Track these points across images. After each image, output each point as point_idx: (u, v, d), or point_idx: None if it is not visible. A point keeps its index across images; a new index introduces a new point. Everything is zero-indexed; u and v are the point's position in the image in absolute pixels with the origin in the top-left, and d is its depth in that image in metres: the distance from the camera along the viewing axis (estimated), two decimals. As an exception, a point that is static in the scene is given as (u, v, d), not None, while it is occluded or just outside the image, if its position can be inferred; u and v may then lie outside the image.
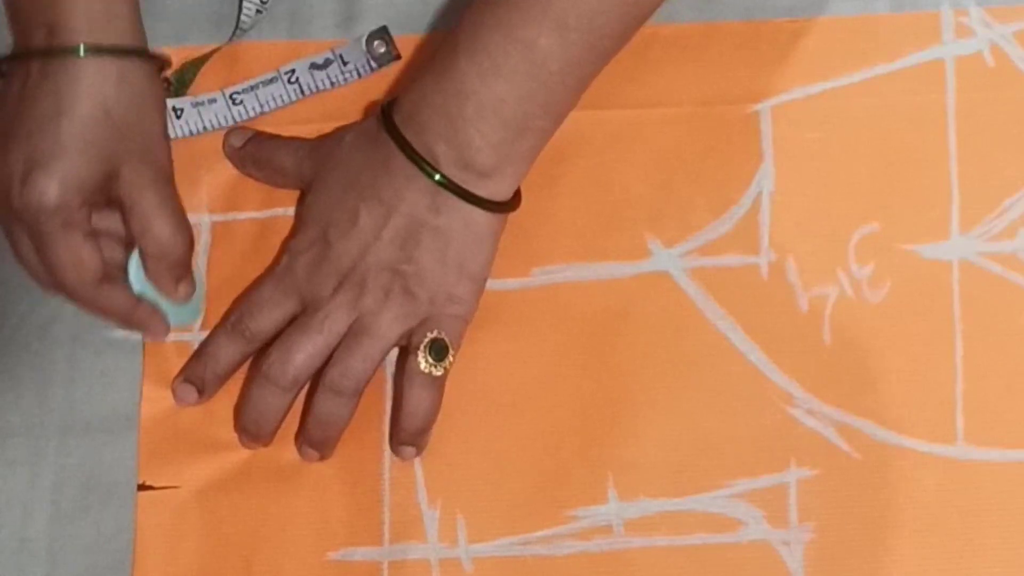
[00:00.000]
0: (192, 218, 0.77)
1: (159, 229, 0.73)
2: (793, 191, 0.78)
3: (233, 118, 0.79)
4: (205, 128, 0.78)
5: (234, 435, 0.75)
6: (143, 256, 0.74)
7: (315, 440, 0.74)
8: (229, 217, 0.79)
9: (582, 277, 0.77)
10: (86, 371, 0.77)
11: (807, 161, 0.78)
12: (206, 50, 0.80)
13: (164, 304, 0.75)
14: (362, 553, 0.74)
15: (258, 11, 0.79)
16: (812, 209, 0.78)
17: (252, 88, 0.79)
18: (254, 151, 0.78)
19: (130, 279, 0.74)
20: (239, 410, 0.75)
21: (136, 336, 0.77)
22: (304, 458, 0.75)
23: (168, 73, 0.78)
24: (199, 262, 0.77)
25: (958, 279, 0.76)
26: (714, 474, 0.75)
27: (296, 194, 0.78)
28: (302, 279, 0.74)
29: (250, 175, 0.78)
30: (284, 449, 0.76)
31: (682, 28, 0.79)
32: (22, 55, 0.73)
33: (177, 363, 0.77)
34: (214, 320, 0.77)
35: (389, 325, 0.73)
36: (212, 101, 0.79)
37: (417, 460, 0.75)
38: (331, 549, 0.75)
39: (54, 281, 0.73)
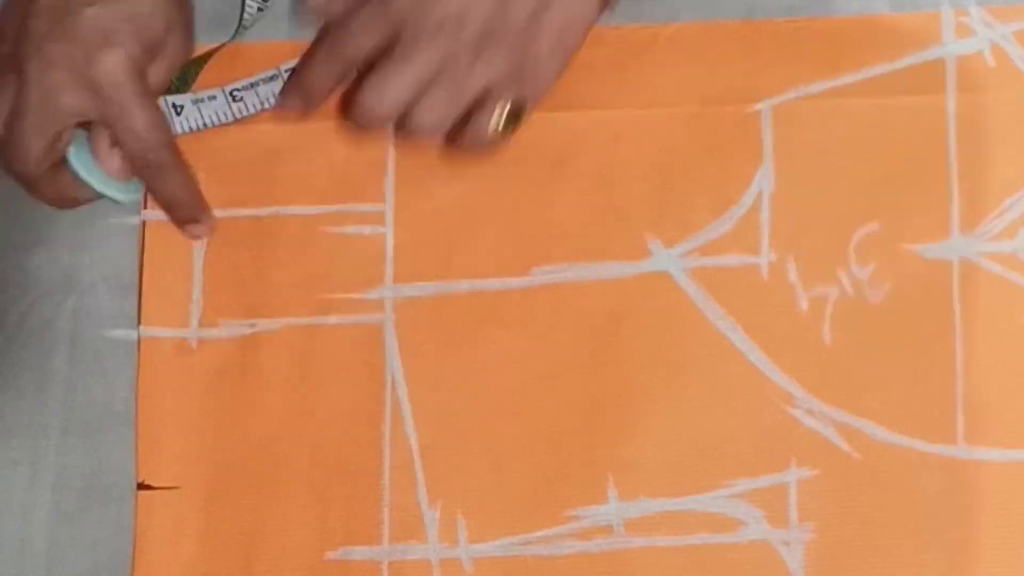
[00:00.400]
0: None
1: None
2: (793, 191, 0.78)
3: (233, 115, 0.78)
4: (205, 124, 0.78)
5: (234, 435, 0.76)
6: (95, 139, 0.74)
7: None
8: (227, 213, 0.78)
9: (582, 277, 0.77)
10: (86, 371, 0.77)
11: (807, 161, 0.78)
12: (207, 49, 0.80)
13: (109, 188, 0.75)
14: (361, 553, 0.75)
15: (260, 9, 0.79)
16: (812, 209, 0.78)
17: (252, 85, 0.79)
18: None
19: (73, 165, 0.74)
20: None
21: (134, 335, 0.77)
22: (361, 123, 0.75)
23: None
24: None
25: (958, 279, 0.76)
26: (714, 474, 0.75)
27: (296, 194, 0.78)
28: (405, 10, 0.73)
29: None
30: (284, 449, 0.76)
31: (682, 28, 0.79)
32: None
33: (176, 363, 0.77)
34: (211, 315, 0.77)
35: (478, 75, 0.73)
36: (212, 98, 0.79)
37: (417, 460, 0.75)
38: (330, 549, 0.75)
39: (131, 145, 0.73)
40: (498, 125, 0.73)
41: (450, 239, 0.78)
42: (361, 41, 0.74)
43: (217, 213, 0.78)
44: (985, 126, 0.78)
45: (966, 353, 0.76)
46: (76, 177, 0.74)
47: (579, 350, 0.76)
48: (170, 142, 0.74)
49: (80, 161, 0.74)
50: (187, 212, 0.76)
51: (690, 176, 0.78)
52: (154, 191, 0.76)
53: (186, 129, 0.78)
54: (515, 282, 0.77)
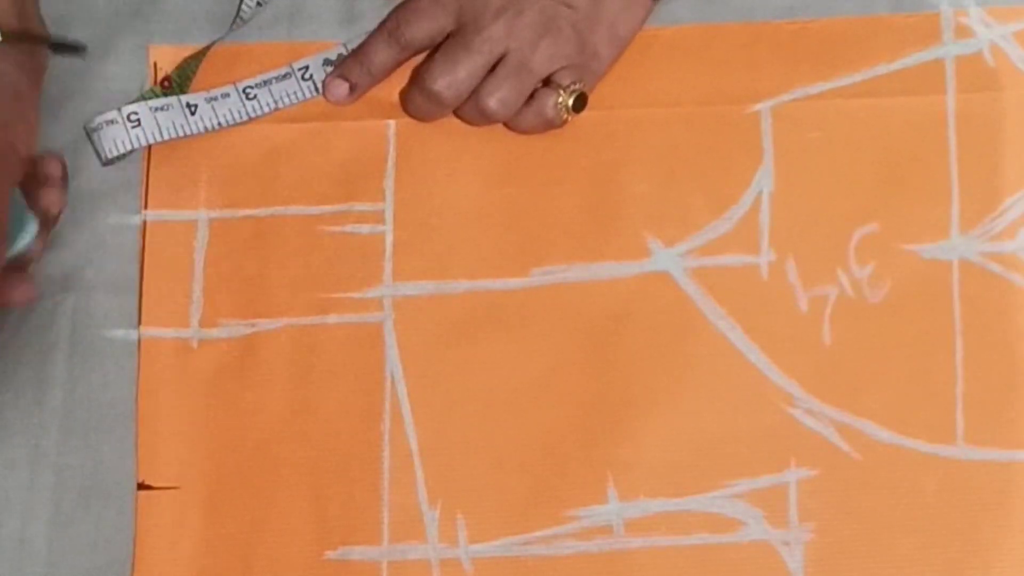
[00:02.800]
0: (190, 215, 0.77)
1: None
2: (793, 191, 0.78)
3: (248, 113, 0.78)
4: (220, 124, 0.78)
5: (234, 434, 0.76)
6: None
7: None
8: (227, 214, 0.78)
9: (582, 277, 0.77)
10: (86, 371, 0.77)
11: (807, 161, 0.78)
12: (205, 45, 0.80)
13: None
14: (361, 552, 0.75)
15: (259, 3, 0.79)
16: (812, 209, 0.78)
17: (266, 83, 0.79)
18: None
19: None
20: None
21: (134, 336, 0.77)
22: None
23: (169, 71, 0.79)
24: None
25: (958, 279, 0.76)
26: (714, 474, 0.75)
27: (296, 194, 0.78)
28: None
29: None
30: (284, 448, 0.76)
31: (682, 29, 0.79)
32: None
33: (176, 363, 0.77)
34: (212, 315, 0.77)
35: (541, 62, 0.75)
36: (225, 96, 0.79)
37: (417, 460, 0.75)
38: (329, 548, 0.75)
39: None
40: (562, 108, 0.76)
41: (450, 239, 0.78)
42: (425, 25, 0.76)
43: (217, 213, 0.78)
44: (985, 126, 0.78)
45: (966, 353, 0.76)
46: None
47: (579, 350, 0.76)
48: None
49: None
50: None
51: (690, 176, 0.78)
52: None
53: (201, 129, 0.78)
54: (515, 282, 0.77)
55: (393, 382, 0.76)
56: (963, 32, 0.79)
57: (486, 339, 0.76)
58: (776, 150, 0.78)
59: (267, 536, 0.75)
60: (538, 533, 0.74)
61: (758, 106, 0.78)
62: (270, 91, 0.79)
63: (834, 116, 0.78)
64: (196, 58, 0.79)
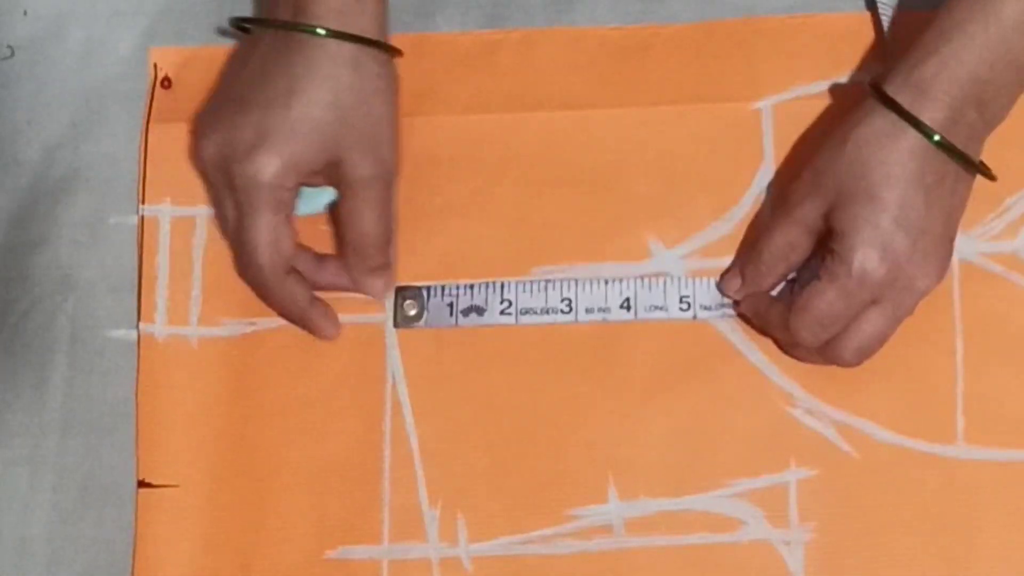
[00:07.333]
0: (188, 211, 0.77)
1: (362, 225, 0.74)
2: (793, 191, 0.78)
3: None
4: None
5: (234, 433, 0.76)
6: (342, 243, 0.75)
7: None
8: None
9: (582, 277, 0.77)
10: (86, 371, 0.77)
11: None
12: (206, 50, 0.80)
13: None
14: (361, 552, 0.75)
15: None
16: (812, 209, 0.77)
17: None
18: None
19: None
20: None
21: (134, 335, 0.77)
22: None
23: (169, 72, 0.79)
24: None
25: (958, 279, 0.76)
26: (714, 474, 0.75)
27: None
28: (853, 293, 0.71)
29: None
30: (284, 447, 0.76)
31: (682, 28, 0.79)
32: (266, 23, 0.74)
33: (174, 361, 0.77)
34: (211, 313, 0.77)
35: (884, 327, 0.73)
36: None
37: (417, 459, 0.75)
38: (330, 548, 0.75)
39: (243, 258, 0.74)
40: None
41: (450, 239, 0.78)
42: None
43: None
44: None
45: (966, 353, 0.76)
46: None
47: (579, 350, 0.76)
48: (275, 265, 0.73)
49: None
50: (304, 326, 0.76)
51: (691, 176, 0.78)
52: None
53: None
54: (515, 282, 0.77)
55: (394, 382, 0.76)
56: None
57: (487, 339, 0.76)
58: (777, 149, 0.78)
59: (267, 535, 0.75)
60: (538, 532, 0.74)
61: (759, 103, 0.78)
62: None
63: (834, 115, 0.78)
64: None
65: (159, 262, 0.78)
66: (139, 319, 0.77)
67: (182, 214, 0.78)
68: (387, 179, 0.74)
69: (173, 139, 0.78)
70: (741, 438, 0.75)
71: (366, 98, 0.73)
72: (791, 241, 0.73)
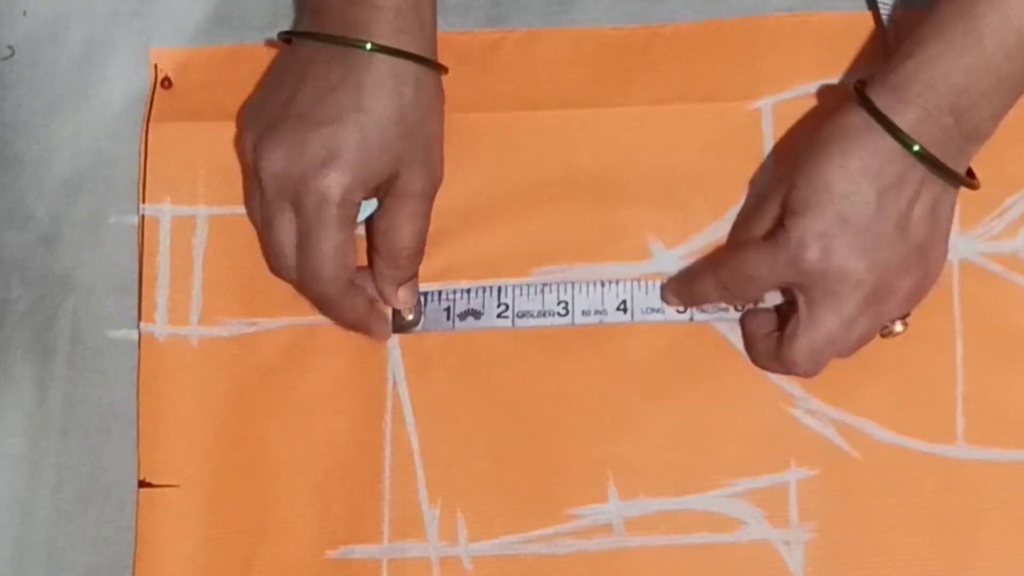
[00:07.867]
0: (188, 211, 0.77)
1: (401, 237, 0.74)
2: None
3: None
4: None
5: (234, 433, 0.76)
6: (376, 252, 0.75)
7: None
8: (226, 211, 0.78)
9: (582, 277, 0.77)
10: (86, 371, 0.77)
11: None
12: (206, 50, 0.80)
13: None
14: (361, 551, 0.75)
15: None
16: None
17: None
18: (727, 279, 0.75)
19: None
20: None
21: (134, 335, 0.77)
22: None
23: (169, 72, 0.79)
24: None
25: (958, 279, 0.76)
26: (714, 474, 0.75)
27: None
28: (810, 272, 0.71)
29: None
30: (285, 447, 0.76)
31: (682, 27, 0.79)
32: (314, 35, 0.74)
33: (174, 361, 0.77)
34: (212, 313, 0.77)
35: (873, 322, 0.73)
36: None
37: (417, 459, 0.75)
38: (330, 547, 0.75)
39: (307, 272, 0.73)
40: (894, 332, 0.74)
41: (451, 239, 0.78)
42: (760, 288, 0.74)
43: (217, 211, 0.78)
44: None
45: (966, 353, 0.76)
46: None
47: (579, 349, 0.76)
48: (340, 279, 0.73)
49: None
50: (359, 330, 0.77)
51: (691, 175, 0.78)
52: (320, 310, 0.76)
53: None
54: (515, 282, 0.77)
55: (394, 381, 0.76)
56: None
57: (486, 339, 0.76)
58: (776, 150, 0.78)
59: (268, 534, 0.75)
60: (538, 532, 0.74)
61: (759, 103, 0.78)
62: None
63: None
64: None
65: (159, 262, 0.78)
66: (139, 319, 0.77)
67: (182, 214, 0.78)
68: (433, 194, 0.75)
69: (173, 139, 0.78)
70: (741, 438, 0.75)
71: (425, 115, 0.74)
72: (750, 226, 0.74)
